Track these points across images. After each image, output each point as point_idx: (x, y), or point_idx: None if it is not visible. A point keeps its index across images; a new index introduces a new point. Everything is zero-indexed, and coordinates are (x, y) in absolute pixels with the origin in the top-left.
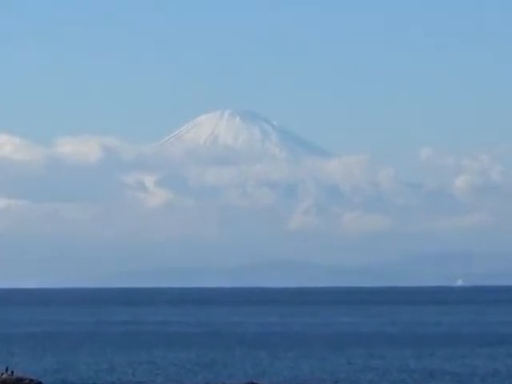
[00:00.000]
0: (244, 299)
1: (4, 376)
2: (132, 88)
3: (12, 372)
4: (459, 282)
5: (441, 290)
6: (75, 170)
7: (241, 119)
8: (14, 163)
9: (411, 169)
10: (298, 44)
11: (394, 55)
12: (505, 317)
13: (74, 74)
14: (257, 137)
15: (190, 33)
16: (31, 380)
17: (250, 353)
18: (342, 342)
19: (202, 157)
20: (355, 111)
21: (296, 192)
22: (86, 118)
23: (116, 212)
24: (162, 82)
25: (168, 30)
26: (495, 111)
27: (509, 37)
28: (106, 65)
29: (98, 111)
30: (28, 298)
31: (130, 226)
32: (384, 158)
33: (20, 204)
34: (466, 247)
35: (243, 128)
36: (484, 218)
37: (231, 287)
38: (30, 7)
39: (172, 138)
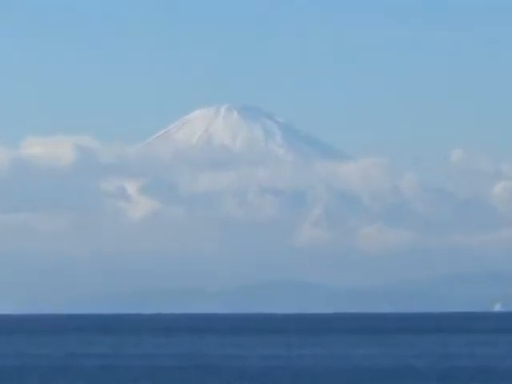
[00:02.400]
0: (244, 327)
1: None
2: (112, 80)
3: None
4: (497, 307)
5: (475, 315)
6: (46, 175)
7: (239, 115)
8: None
9: (440, 174)
10: (303, 36)
11: (419, 45)
12: None
13: (45, 66)
14: (258, 136)
15: (182, 23)
16: None
17: None
18: (358, 377)
19: (194, 159)
20: (373, 107)
21: (304, 201)
22: (58, 115)
23: (93, 224)
24: (148, 73)
25: (156, 19)
26: None
27: None
28: (80, 55)
29: (71, 107)
30: None
31: (110, 240)
32: (408, 161)
33: None
34: (504, 265)
35: (242, 126)
36: None
37: (228, 313)
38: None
39: (159, 137)
